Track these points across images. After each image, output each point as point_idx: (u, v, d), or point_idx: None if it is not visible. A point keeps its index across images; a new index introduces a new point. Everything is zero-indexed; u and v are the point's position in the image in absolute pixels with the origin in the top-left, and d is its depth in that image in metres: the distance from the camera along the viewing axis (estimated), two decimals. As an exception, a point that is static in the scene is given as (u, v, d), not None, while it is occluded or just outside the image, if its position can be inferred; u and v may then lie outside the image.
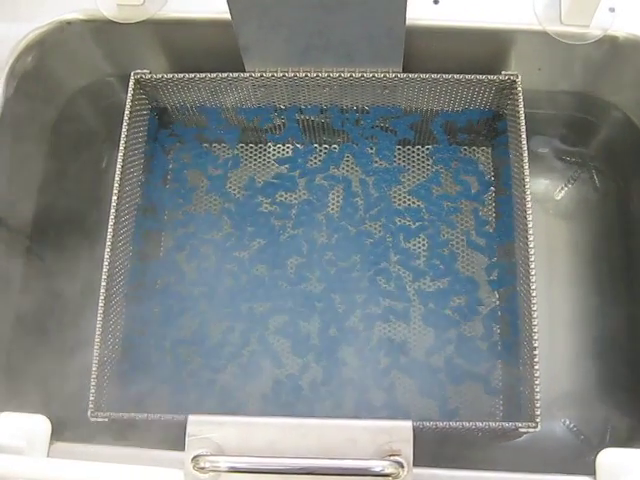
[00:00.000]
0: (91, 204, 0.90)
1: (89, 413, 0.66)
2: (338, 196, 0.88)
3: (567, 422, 0.82)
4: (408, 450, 0.52)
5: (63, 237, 0.86)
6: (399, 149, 0.89)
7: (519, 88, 0.74)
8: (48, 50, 0.78)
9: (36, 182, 0.82)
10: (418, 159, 0.89)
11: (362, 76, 0.75)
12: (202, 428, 0.53)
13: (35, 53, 0.77)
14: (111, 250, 0.71)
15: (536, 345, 0.66)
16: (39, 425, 0.60)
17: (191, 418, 0.54)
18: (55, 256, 0.84)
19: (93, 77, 0.85)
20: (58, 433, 0.61)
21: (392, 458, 0.51)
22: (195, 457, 0.51)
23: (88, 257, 0.85)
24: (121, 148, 0.74)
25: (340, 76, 0.75)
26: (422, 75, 0.74)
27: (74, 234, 0.87)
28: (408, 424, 0.53)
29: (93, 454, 0.60)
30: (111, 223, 0.72)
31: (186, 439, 0.53)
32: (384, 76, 0.74)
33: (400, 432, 0.52)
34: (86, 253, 0.86)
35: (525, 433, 0.67)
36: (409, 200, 0.87)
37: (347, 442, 0.52)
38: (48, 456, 0.59)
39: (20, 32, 0.76)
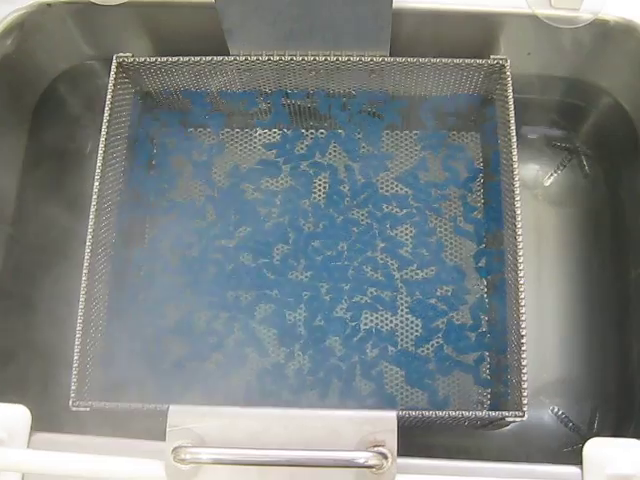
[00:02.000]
0: (75, 191, 0.88)
1: (70, 402, 0.65)
2: (325, 183, 0.86)
3: (555, 410, 0.82)
4: (392, 441, 0.51)
5: (46, 224, 0.85)
6: (387, 134, 0.88)
7: (508, 72, 0.73)
8: (28, 33, 0.76)
9: (17, 168, 0.81)
10: (406, 145, 0.88)
11: (348, 60, 0.73)
12: (183, 419, 0.52)
13: (15, 36, 0.75)
14: (93, 237, 0.70)
15: (524, 333, 0.65)
16: (19, 415, 0.58)
17: (172, 408, 0.53)
18: (37, 243, 0.83)
19: (75, 60, 0.84)
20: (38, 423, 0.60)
21: (376, 449, 0.50)
22: (176, 448, 0.50)
23: (71, 244, 0.84)
24: (103, 133, 0.73)
25: (326, 60, 0.73)
26: (409, 59, 0.73)
27: (57, 220, 0.86)
28: (392, 414, 0.52)
29: (73, 444, 0.59)
30: (93, 209, 0.70)
31: (167, 430, 0.52)
32: (371, 60, 0.73)
33: (384, 422, 0.52)
34: (69, 240, 0.85)
35: (512, 422, 0.66)
36: (396, 187, 0.86)
37: (330, 433, 0.51)
38: (28, 447, 0.58)
39: (-1, 14, 0.74)
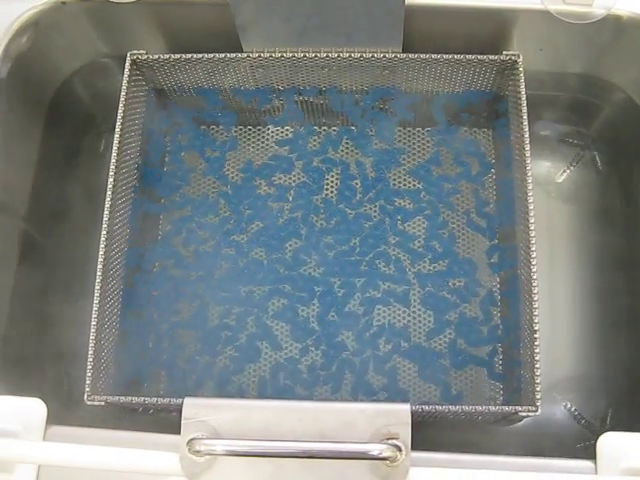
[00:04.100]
0: (89, 187, 0.89)
1: (85, 397, 0.66)
2: (337, 179, 0.87)
3: (568, 406, 0.82)
4: (406, 433, 0.51)
5: (60, 220, 0.85)
6: (399, 131, 0.88)
7: (520, 68, 0.73)
8: (43, 31, 0.77)
9: (32, 165, 0.82)
10: (418, 141, 0.88)
11: (361, 56, 0.73)
12: (198, 411, 0.53)
13: (30, 34, 0.76)
14: (107, 233, 0.70)
15: (537, 328, 0.65)
16: (35, 409, 0.59)
17: (187, 401, 0.53)
18: (51, 240, 0.84)
19: (89, 58, 0.84)
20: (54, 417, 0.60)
21: (390, 441, 0.50)
22: (190, 440, 0.50)
23: (85, 241, 0.85)
24: (117, 130, 0.73)
25: (339, 56, 0.74)
26: (422, 55, 0.73)
27: (71, 217, 0.87)
28: (406, 407, 0.52)
29: (89, 438, 0.59)
30: (107, 205, 0.71)
31: (182, 422, 0.52)
32: (384, 56, 0.73)
33: (398, 415, 0.52)
34: (83, 237, 0.85)
35: (525, 417, 0.66)
36: (408, 182, 0.86)
37: (344, 425, 0.52)
38: (44, 440, 0.58)
39: (14, 12, 0.74)
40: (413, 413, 0.53)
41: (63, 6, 0.76)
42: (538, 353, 0.65)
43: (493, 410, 0.64)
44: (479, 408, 0.64)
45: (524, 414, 0.64)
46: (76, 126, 0.89)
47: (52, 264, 0.84)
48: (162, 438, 0.59)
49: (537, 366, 0.65)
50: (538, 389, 0.64)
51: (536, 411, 0.63)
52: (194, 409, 0.53)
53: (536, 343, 0.65)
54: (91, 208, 0.86)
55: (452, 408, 0.63)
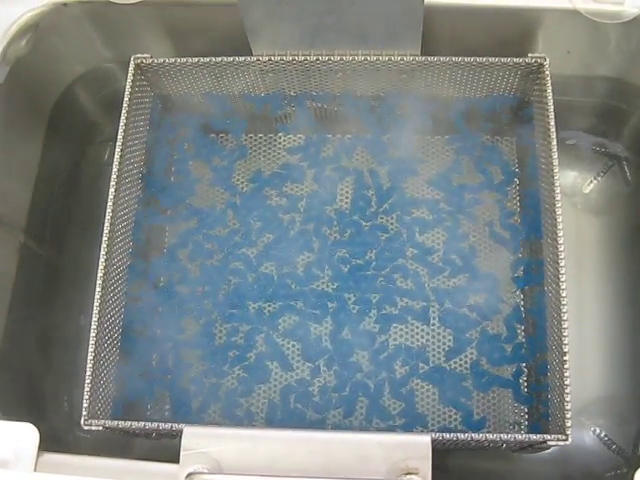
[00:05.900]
0: (92, 198, 0.87)
1: (82, 421, 0.62)
2: (351, 188, 0.83)
3: (597, 431, 0.77)
4: (426, 468, 0.47)
5: (61, 233, 0.83)
6: (417, 138, 0.84)
7: (547, 72, 0.70)
8: (43, 34, 0.75)
9: (32, 175, 0.80)
10: (436, 148, 0.84)
11: (377, 59, 0.71)
12: (199, 442, 0.49)
13: (29, 37, 0.74)
14: (108, 246, 0.67)
15: (566, 350, 0.61)
16: (26, 434, 0.55)
17: (187, 430, 0.49)
18: (51, 253, 0.82)
19: (92, 63, 0.82)
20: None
21: (408, 477, 0.46)
22: (190, 474, 0.47)
23: (87, 254, 0.82)
24: (120, 137, 0.71)
25: (354, 60, 0.71)
26: (442, 58, 0.71)
27: (73, 230, 0.85)
28: (426, 439, 0.48)
29: (83, 466, 0.55)
30: (108, 217, 0.68)
31: (181, 453, 0.48)
32: (401, 59, 0.71)
33: (417, 448, 0.47)
34: (85, 250, 0.83)
35: (554, 446, 0.62)
36: (426, 192, 0.83)
37: (359, 459, 0.47)
38: (35, 469, 0.55)
39: (13, 14, 0.72)
40: (433, 441, 0.48)
41: (64, 8, 0.74)
42: (568, 377, 0.61)
43: (519, 439, 0.60)
44: (504, 436, 0.59)
45: (553, 443, 0.60)
46: (79, 134, 0.88)
47: (52, 278, 0.81)
48: (163, 468, 0.55)
49: (567, 391, 0.61)
50: (568, 416, 0.60)
51: (566, 440, 0.59)
52: (194, 439, 0.49)
53: (565, 367, 0.61)
54: (94, 220, 0.83)
55: (475, 436, 0.59)
